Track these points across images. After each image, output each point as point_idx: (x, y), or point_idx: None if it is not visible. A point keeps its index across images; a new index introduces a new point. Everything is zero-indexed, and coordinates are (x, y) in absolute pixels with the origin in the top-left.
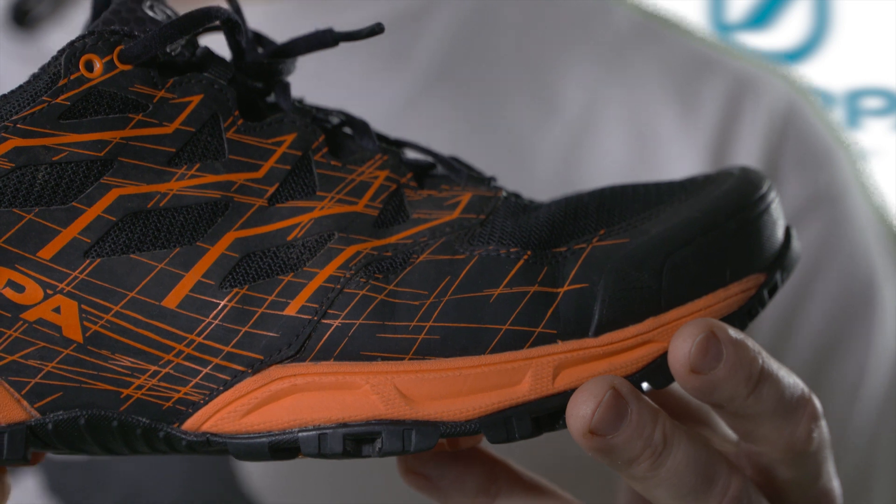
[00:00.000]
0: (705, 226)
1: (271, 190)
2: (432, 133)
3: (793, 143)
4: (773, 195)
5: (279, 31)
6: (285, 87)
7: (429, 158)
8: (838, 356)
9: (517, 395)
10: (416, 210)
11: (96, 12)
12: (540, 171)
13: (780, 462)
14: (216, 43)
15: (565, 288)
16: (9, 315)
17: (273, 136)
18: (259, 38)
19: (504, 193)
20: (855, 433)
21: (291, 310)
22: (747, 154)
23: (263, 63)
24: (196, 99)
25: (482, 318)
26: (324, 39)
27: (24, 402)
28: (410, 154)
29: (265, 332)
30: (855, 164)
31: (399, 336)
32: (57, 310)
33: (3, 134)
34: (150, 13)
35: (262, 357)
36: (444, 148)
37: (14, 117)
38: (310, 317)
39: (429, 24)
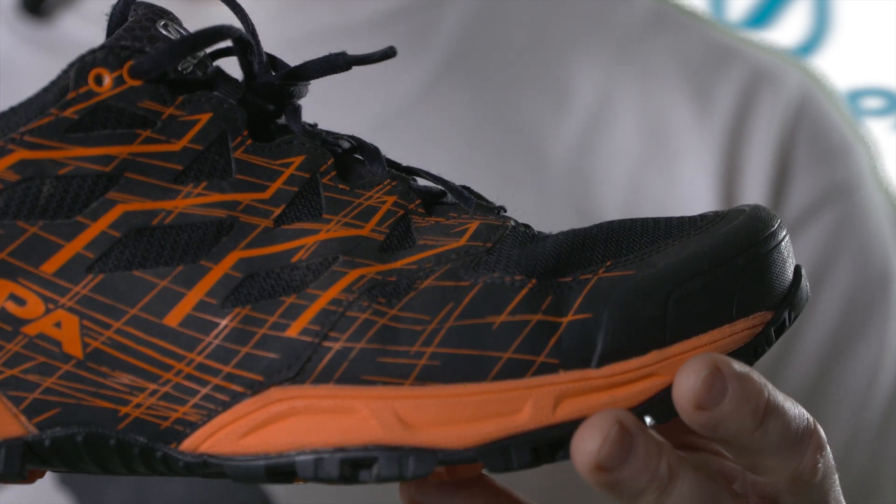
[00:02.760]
0: (713, 261)
1: (277, 211)
2: (445, 124)
3: (808, 134)
4: (783, 233)
5: (291, 20)
6: (296, 111)
7: (439, 186)
8: (851, 350)
9: (517, 423)
10: (422, 236)
11: (111, 30)
12: (553, 162)
13: (786, 492)
14: (232, 67)
15: (569, 318)
16: (9, 329)
17: (281, 157)
18: (273, 61)
19: (512, 223)
20: (866, 429)
21: (293, 331)
22: (762, 146)
23: (275, 85)
24: (205, 117)
25: (484, 346)
26: (336, 63)
27: (23, 418)
28: (422, 182)
29: (266, 353)
30: (871, 157)
31: (400, 361)
32: (58, 325)
33: (10, 146)
34: (165, 32)
35: (261, 378)
36: (458, 139)
37: (21, 129)
38: (311, 339)
39: (443, 14)
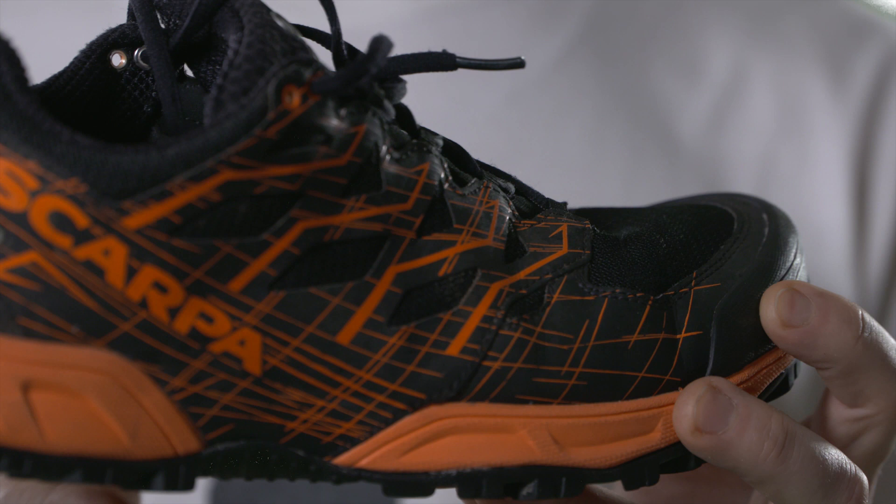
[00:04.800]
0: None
1: (418, 222)
2: (577, 97)
3: None
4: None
5: None
6: (407, 110)
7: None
8: None
9: (651, 443)
10: (528, 243)
11: (196, 18)
12: (684, 137)
13: (881, 423)
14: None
15: (683, 335)
16: (197, 346)
17: (414, 165)
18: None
19: (591, 225)
20: None
21: (454, 350)
22: None
23: (387, 89)
24: (361, 129)
25: (622, 365)
26: (445, 63)
27: (200, 433)
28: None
29: (429, 372)
30: None
31: (552, 381)
32: (242, 343)
33: (219, 167)
34: (280, 24)
35: (424, 396)
36: (589, 112)
37: (230, 150)
38: (472, 358)
39: None
